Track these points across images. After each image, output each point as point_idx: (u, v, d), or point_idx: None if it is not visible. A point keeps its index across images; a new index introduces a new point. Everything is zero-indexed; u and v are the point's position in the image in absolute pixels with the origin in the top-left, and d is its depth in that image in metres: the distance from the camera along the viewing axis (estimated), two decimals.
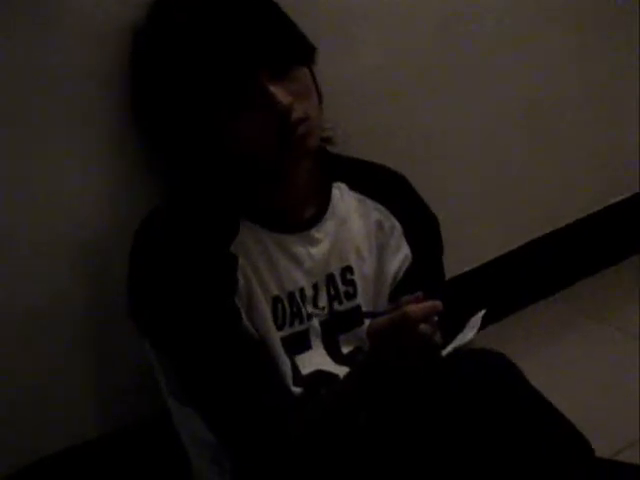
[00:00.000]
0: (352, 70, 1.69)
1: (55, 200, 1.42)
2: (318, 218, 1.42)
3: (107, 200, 1.46)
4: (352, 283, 1.44)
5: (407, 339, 1.18)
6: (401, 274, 1.47)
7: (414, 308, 1.17)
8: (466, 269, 1.96)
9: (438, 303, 1.19)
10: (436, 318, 1.19)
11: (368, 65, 1.71)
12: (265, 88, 1.28)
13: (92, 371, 1.51)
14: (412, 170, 1.52)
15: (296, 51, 1.33)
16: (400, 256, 1.47)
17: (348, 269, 1.44)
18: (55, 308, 1.45)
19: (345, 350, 1.44)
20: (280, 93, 1.28)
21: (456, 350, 1.24)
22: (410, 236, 1.47)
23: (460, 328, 1.29)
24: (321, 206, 1.43)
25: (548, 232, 2.09)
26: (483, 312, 1.27)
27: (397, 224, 1.47)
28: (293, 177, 1.37)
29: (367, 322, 1.33)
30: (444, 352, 1.23)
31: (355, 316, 1.44)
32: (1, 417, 1.42)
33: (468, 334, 1.25)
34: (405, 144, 1.79)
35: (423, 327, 1.17)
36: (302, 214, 1.42)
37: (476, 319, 1.27)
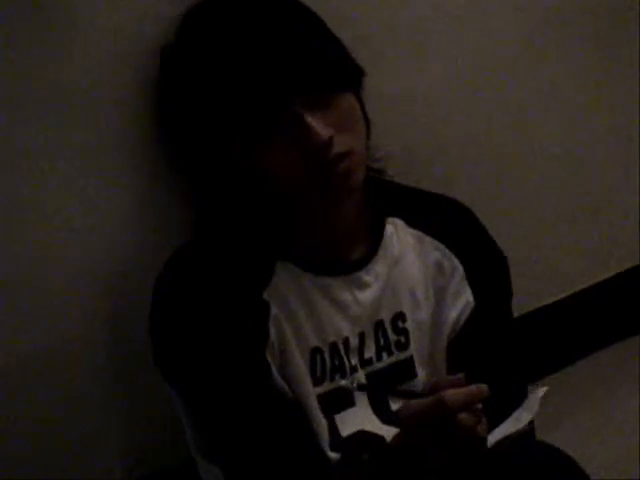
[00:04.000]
0: (414, 89, 1.55)
1: (74, 234, 1.30)
2: (368, 259, 1.27)
3: (130, 235, 1.34)
4: (404, 332, 1.29)
5: (444, 431, 1.02)
6: (462, 322, 1.31)
7: (453, 393, 1.01)
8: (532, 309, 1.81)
9: (483, 387, 1.02)
10: (480, 405, 1.02)
11: (431, 84, 1.57)
12: (301, 118, 1.12)
13: (115, 420, 1.40)
14: (473, 200, 1.38)
15: (339, 75, 1.17)
16: (461, 302, 1.31)
17: (400, 316, 1.29)
18: (74, 350, 1.34)
19: (395, 406, 1.28)
20: (318, 124, 1.12)
21: (506, 440, 1.06)
22: (473, 279, 1.31)
23: (516, 402, 1.11)
24: (372, 245, 1.28)
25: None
26: (544, 390, 1.09)
27: (459, 266, 1.31)
28: (336, 216, 1.22)
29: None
30: (490, 442, 1.06)
31: (407, 369, 1.29)
32: (17, 467, 1.32)
33: (523, 418, 1.07)
34: (467, 170, 1.66)
35: (463, 417, 1.01)
36: (349, 254, 1.27)
37: (534, 398, 1.09)
